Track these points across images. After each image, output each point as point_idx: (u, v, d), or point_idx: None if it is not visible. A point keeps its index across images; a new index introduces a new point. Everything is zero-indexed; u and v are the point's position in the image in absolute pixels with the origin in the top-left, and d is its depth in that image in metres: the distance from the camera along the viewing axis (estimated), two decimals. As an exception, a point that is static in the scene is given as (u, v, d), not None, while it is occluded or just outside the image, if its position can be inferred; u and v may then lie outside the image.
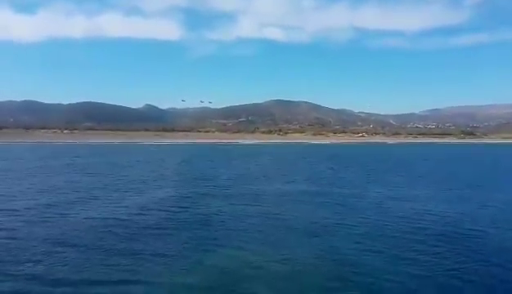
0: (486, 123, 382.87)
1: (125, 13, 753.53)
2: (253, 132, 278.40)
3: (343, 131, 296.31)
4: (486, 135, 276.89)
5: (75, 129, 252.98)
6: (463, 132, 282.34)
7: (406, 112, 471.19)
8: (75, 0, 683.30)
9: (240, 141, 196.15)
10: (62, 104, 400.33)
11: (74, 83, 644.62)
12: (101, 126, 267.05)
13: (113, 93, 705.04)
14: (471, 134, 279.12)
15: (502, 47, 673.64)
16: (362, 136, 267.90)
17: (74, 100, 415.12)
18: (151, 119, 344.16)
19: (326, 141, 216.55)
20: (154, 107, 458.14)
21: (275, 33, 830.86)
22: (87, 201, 28.39)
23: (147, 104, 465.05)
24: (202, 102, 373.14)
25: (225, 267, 15.21)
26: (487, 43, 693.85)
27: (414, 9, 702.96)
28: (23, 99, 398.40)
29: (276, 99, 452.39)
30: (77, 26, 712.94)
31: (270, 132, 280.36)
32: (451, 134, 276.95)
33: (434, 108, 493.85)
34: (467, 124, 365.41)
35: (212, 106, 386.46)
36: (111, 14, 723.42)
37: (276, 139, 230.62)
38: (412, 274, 14.47)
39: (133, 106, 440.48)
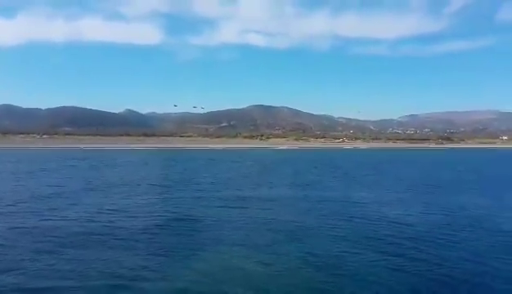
0: (462, 129, 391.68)
1: (106, 17, 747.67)
2: (235, 137, 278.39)
3: (324, 137, 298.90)
4: (463, 140, 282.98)
5: (55, 134, 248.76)
6: (440, 138, 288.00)
7: (385, 118, 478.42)
8: (55, 4, 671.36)
9: (222, 146, 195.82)
10: (41, 109, 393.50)
11: (53, 88, 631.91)
12: (81, 131, 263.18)
13: (93, 98, 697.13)
14: (448, 139, 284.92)
15: (479, 55, 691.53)
16: (343, 141, 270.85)
17: (53, 105, 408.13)
18: (132, 124, 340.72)
19: (308, 146, 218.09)
20: (135, 112, 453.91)
21: (257, 39, 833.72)
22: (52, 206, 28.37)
23: (128, 109, 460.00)
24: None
25: (209, 270, 15.53)
26: (464, 51, 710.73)
27: (393, 17, 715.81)
28: (1, 103, 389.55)
29: (257, 104, 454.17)
30: (57, 30, 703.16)
31: (252, 137, 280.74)
32: (429, 139, 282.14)
33: (413, 113, 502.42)
34: (444, 129, 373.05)
35: (193, 111, 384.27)
36: (92, 18, 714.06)
37: (258, 144, 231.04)
38: (390, 275, 15.04)
39: (114, 111, 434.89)
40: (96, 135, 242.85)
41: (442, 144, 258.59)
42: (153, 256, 16.93)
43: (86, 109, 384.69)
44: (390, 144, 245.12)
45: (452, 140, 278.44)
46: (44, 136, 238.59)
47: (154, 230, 21.32)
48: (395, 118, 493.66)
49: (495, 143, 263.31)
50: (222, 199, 32.37)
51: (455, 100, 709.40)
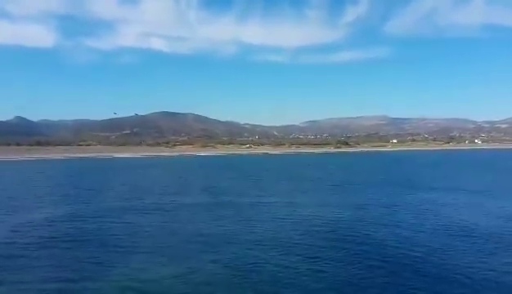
0: (357, 133, 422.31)
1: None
2: (139, 145, 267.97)
3: (231, 143, 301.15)
4: (358, 144, 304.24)
5: None
6: (339, 142, 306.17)
7: (288, 123, 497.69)
8: None
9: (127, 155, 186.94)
10: None
11: None
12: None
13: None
14: (346, 143, 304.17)
15: (370, 64, 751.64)
16: (249, 147, 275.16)
17: None
18: (22, 132, 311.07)
19: (216, 153, 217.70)
20: (26, 119, 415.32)
21: (160, 44, 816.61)
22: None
23: (17, 116, 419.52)
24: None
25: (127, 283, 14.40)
26: (357, 60, 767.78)
27: (293, 27, 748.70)
28: None
29: (162, 111, 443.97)
30: None
31: (157, 145, 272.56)
32: (328, 143, 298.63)
33: (313, 119, 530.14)
34: (341, 134, 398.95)
35: (91, 118, 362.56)
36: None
37: (164, 152, 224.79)
38: (309, 277, 15.13)
39: (1, 118, 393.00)
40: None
41: (339, 148, 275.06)
42: (65, 267, 15.25)
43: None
44: (293, 149, 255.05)
45: (349, 145, 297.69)
46: None
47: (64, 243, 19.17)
48: (297, 123, 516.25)
49: (386, 146, 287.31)
50: (135, 208, 30.58)
51: (350, 107, 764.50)
